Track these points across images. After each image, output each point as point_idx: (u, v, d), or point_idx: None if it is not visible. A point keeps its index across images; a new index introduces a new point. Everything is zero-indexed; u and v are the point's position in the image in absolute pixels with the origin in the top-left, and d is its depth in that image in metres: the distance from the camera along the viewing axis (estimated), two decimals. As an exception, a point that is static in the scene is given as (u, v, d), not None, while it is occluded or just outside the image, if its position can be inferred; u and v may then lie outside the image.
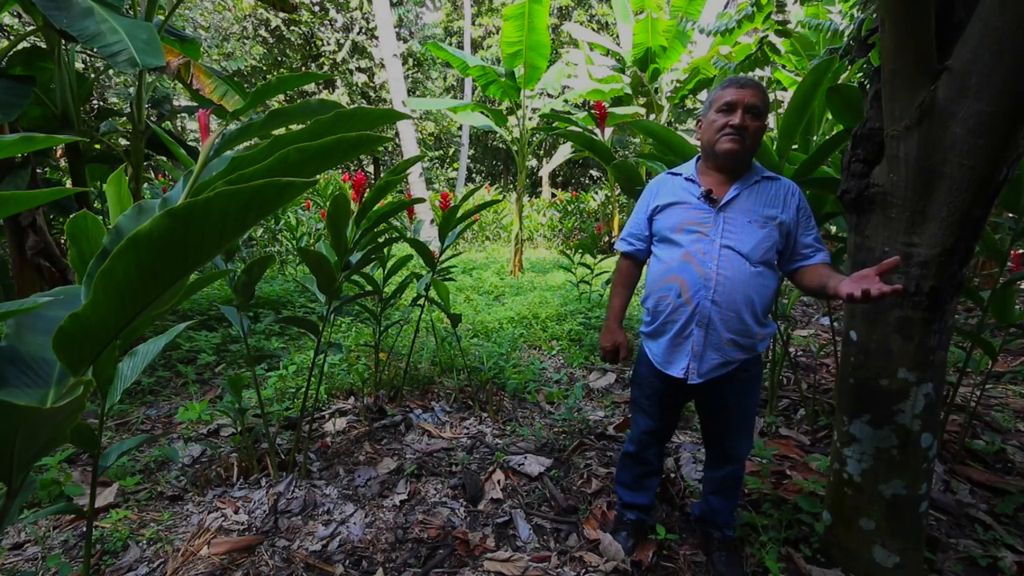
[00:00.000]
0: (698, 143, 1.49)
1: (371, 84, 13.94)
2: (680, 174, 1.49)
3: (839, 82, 2.12)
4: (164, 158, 3.86)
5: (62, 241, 3.65)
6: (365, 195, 1.77)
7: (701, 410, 1.56)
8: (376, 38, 12.87)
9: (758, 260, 1.34)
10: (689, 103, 9.33)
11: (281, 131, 0.88)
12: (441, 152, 17.74)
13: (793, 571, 1.55)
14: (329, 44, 13.33)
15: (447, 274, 2.80)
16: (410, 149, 8.81)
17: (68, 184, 3.72)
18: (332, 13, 13.86)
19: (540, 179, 17.54)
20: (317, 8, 13.63)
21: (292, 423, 2.38)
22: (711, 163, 1.43)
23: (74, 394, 0.63)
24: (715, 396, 1.46)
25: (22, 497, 0.75)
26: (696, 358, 1.38)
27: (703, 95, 8.69)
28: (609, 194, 9.46)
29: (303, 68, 13.54)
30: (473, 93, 14.44)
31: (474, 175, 18.87)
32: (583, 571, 1.56)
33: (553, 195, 13.77)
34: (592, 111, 5.05)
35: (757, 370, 1.48)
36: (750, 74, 3.85)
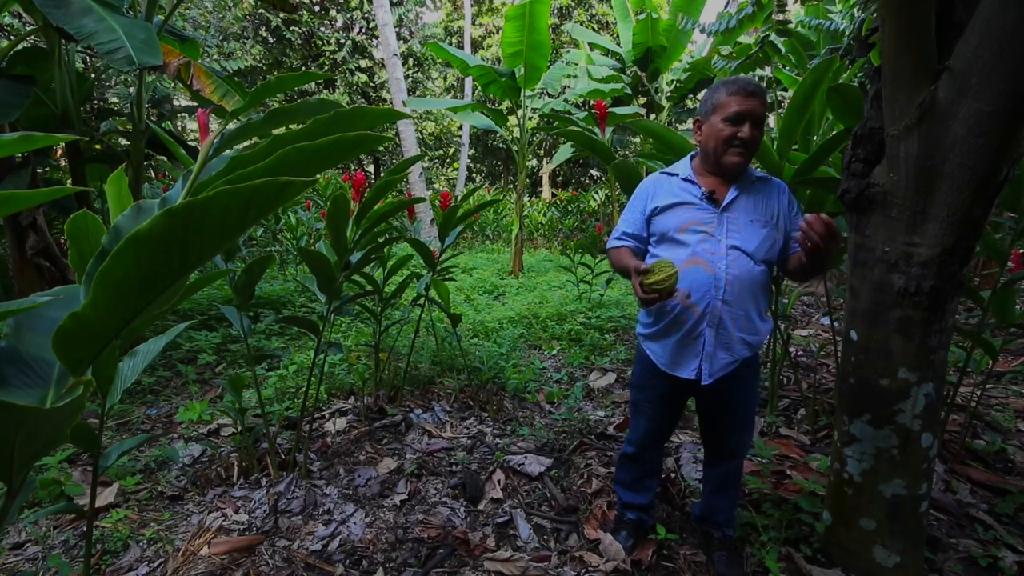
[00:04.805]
0: (697, 143, 1.48)
1: (371, 84, 13.94)
2: (676, 174, 1.48)
3: (839, 82, 2.11)
4: (164, 158, 3.87)
5: (62, 241, 3.65)
6: (365, 195, 1.77)
7: (703, 408, 1.56)
8: (376, 38, 12.87)
9: (761, 259, 1.37)
10: (689, 103, 9.34)
11: (280, 131, 0.88)
12: (441, 152, 17.74)
13: (793, 571, 1.55)
14: (329, 44, 13.33)
15: (447, 274, 2.80)
16: (410, 149, 8.80)
17: (68, 184, 3.72)
18: (332, 13, 13.87)
19: (540, 179, 17.56)
20: (317, 8, 13.63)
21: (292, 423, 2.38)
22: (710, 168, 1.42)
23: (74, 394, 0.63)
24: (720, 394, 1.46)
25: (22, 497, 0.75)
26: (707, 359, 1.38)
27: (703, 95, 8.69)
28: (609, 194, 9.46)
29: (303, 68, 13.51)
30: (473, 93, 14.43)
31: (474, 175, 18.86)
32: (583, 571, 1.56)
33: (553, 195, 13.79)
34: (592, 111, 5.04)
35: (757, 365, 1.50)
36: (750, 74, 3.85)
